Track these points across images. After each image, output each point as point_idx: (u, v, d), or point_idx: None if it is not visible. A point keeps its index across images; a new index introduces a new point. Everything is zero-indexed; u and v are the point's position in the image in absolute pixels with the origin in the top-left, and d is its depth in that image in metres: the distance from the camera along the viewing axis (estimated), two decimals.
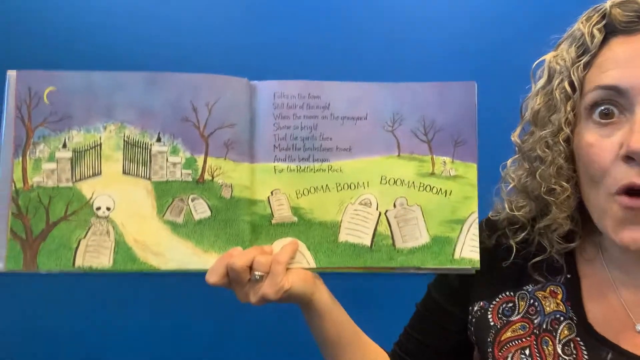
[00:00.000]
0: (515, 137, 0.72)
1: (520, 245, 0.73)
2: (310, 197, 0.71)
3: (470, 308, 0.75)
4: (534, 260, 0.71)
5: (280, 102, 0.71)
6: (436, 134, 0.72)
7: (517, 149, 0.73)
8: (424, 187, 0.72)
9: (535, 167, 0.68)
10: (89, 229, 0.67)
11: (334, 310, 0.72)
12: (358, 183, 0.71)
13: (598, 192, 0.62)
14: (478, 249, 0.71)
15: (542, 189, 0.67)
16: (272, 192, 0.70)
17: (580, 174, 0.65)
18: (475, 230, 0.72)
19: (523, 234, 0.72)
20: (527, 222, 0.72)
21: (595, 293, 0.69)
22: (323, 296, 0.70)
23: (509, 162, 0.75)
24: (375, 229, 0.71)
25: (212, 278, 0.66)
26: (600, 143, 0.60)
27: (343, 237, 0.71)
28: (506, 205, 0.74)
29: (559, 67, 0.66)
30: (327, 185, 0.71)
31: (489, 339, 0.71)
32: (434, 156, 0.72)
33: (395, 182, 0.72)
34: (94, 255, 0.67)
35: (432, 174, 0.72)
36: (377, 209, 0.71)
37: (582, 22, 0.65)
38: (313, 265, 0.70)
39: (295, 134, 0.71)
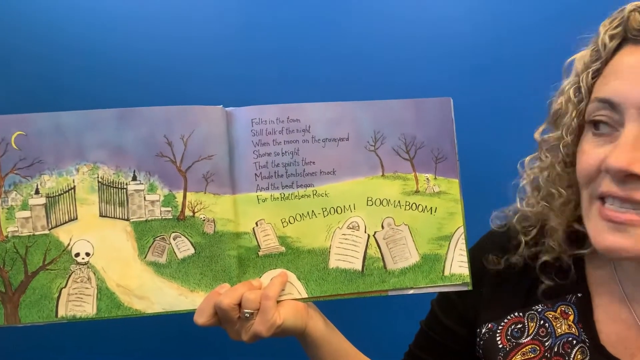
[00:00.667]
0: (537, 134, 0.69)
1: (529, 259, 0.70)
2: (296, 224, 0.69)
3: (478, 330, 0.72)
4: (543, 259, 0.68)
5: (258, 128, 0.68)
6: (417, 151, 0.71)
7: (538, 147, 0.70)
8: (410, 205, 0.71)
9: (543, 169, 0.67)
10: (70, 276, 0.64)
11: (331, 338, 0.70)
12: (344, 206, 0.70)
13: (584, 197, 0.61)
14: (467, 264, 0.71)
15: (542, 193, 0.66)
16: (256, 223, 0.68)
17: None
18: (462, 246, 0.71)
19: (534, 231, 0.69)
20: (537, 222, 0.69)
21: (608, 311, 0.65)
22: (318, 325, 0.69)
23: (527, 159, 0.72)
24: (365, 253, 0.70)
25: (200, 319, 0.64)
26: (591, 152, 0.59)
27: (333, 263, 0.69)
28: (517, 202, 0.71)
29: (575, 70, 0.63)
30: (313, 211, 0.69)
31: None
32: (417, 173, 0.71)
33: (381, 202, 0.71)
34: (77, 303, 0.64)
35: (417, 191, 0.71)
36: (365, 232, 0.70)
37: (603, 24, 0.61)
38: (304, 295, 0.68)
39: (276, 160, 0.69)
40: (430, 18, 1.28)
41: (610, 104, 0.56)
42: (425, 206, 0.71)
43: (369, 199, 0.70)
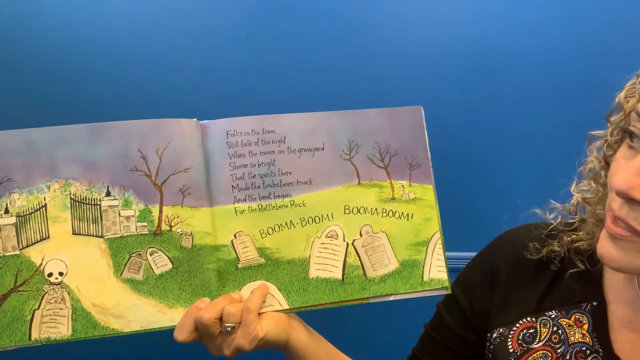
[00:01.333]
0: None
1: (545, 264, 0.69)
2: (275, 235, 0.68)
3: (489, 335, 0.71)
4: (571, 271, 0.67)
5: (234, 140, 0.68)
6: (392, 159, 0.72)
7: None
8: (387, 212, 0.71)
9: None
10: (43, 297, 0.62)
11: (315, 346, 0.69)
12: (322, 215, 0.70)
13: (607, 202, 0.59)
14: (445, 269, 0.71)
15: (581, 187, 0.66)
16: (235, 235, 0.67)
17: None
18: (440, 250, 0.72)
19: (575, 225, 0.68)
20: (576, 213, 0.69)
21: (623, 319, 0.64)
22: (300, 335, 0.68)
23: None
24: (345, 261, 0.70)
25: (180, 335, 0.63)
26: (620, 162, 0.57)
27: (313, 272, 0.69)
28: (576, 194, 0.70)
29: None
30: (291, 221, 0.69)
31: None
32: (392, 181, 0.72)
33: (358, 210, 0.71)
34: (51, 325, 0.62)
35: (393, 198, 0.72)
36: (344, 240, 0.70)
37: None
38: (285, 306, 0.68)
39: (253, 171, 0.68)
40: (409, 27, 1.31)
41: None
42: (402, 213, 0.72)
43: (346, 207, 0.71)
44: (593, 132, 0.66)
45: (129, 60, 1.27)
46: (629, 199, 0.53)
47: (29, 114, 1.20)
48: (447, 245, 0.73)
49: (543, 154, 1.27)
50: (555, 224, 0.71)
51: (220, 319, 0.63)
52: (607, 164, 0.63)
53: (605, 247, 0.56)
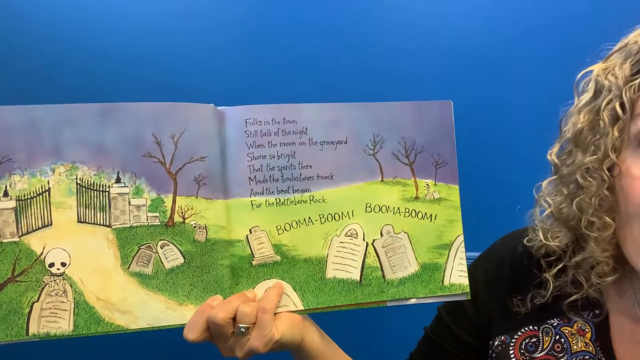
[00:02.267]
0: (552, 156, 0.64)
1: (553, 276, 0.65)
2: (292, 232, 0.65)
3: (491, 342, 0.70)
4: (570, 299, 0.64)
5: (252, 129, 0.64)
6: (417, 156, 0.68)
7: (553, 169, 0.64)
8: (409, 212, 0.68)
9: (574, 194, 0.61)
10: (43, 289, 0.57)
11: (327, 350, 0.66)
12: (342, 213, 0.66)
13: (633, 220, 0.56)
14: (466, 274, 0.69)
15: (583, 222, 0.59)
16: (250, 230, 0.63)
17: (621, 206, 0.57)
18: (462, 254, 0.69)
19: (559, 266, 0.64)
20: (562, 253, 0.64)
21: (624, 330, 0.64)
22: (314, 338, 0.65)
23: (544, 183, 0.66)
24: (364, 262, 0.66)
25: (191, 334, 0.59)
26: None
27: (330, 273, 0.65)
28: (540, 235, 0.65)
29: (608, 84, 0.57)
30: (309, 217, 0.65)
31: None
32: (417, 179, 0.69)
33: (380, 209, 0.67)
34: (51, 319, 0.57)
35: (417, 198, 0.68)
36: (363, 240, 0.67)
37: (639, 35, 0.57)
38: (300, 307, 0.64)
39: (271, 163, 0.64)
40: (429, 23, 1.28)
41: None
42: (425, 213, 0.68)
43: (368, 205, 0.67)
44: (586, 160, 0.60)
45: (140, 43, 1.24)
46: None
47: (33, 97, 1.16)
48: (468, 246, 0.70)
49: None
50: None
51: (234, 318, 0.59)
52: (613, 188, 0.58)
53: None
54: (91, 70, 1.22)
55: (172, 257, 0.61)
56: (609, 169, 0.58)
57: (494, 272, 0.71)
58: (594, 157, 0.58)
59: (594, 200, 0.58)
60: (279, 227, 0.64)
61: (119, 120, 0.60)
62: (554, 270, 0.65)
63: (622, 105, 0.57)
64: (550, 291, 0.65)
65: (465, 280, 0.68)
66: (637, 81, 0.56)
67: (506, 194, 1.22)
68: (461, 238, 0.69)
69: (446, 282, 0.68)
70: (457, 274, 0.68)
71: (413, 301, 0.68)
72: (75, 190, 0.59)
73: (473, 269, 0.73)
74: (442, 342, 0.74)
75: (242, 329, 0.59)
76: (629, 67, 0.57)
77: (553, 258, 0.65)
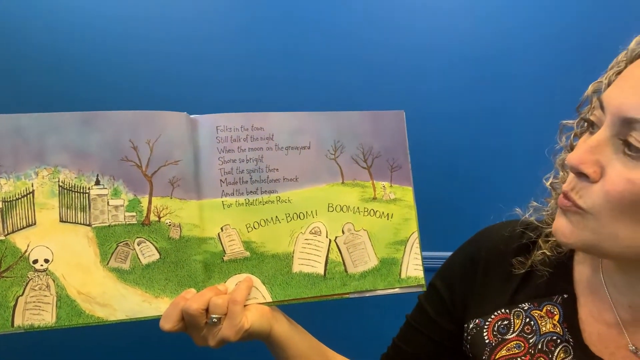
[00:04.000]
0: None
1: (521, 259, 0.72)
2: (260, 230, 0.70)
3: (466, 325, 0.73)
4: (540, 281, 0.70)
5: (223, 135, 0.69)
6: (374, 160, 0.75)
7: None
8: (368, 211, 0.74)
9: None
10: (27, 284, 0.62)
11: (296, 338, 0.71)
12: (307, 212, 0.72)
13: None
14: (421, 267, 0.75)
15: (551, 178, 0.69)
16: (222, 228, 0.69)
17: None
18: (417, 249, 0.75)
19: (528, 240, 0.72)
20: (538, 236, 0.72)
21: (592, 311, 0.67)
22: (283, 327, 0.70)
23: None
24: (327, 257, 0.72)
25: (166, 324, 0.63)
26: (577, 146, 0.61)
27: (297, 267, 0.71)
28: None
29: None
30: (277, 216, 0.71)
31: (484, 357, 0.70)
32: (374, 181, 0.75)
33: (341, 208, 0.73)
34: (35, 312, 0.61)
35: (374, 198, 0.74)
36: (327, 237, 0.72)
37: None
38: (269, 299, 0.69)
39: (241, 167, 0.70)
40: (389, 32, 1.35)
41: (601, 106, 0.58)
42: (383, 212, 0.75)
43: (330, 205, 0.73)
44: (564, 122, 0.70)
45: (120, 53, 1.28)
46: (579, 174, 0.57)
47: (18, 105, 1.19)
48: (424, 246, 0.76)
49: (523, 156, 1.32)
50: (532, 220, 0.74)
51: (207, 310, 0.64)
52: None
53: (559, 222, 0.59)
54: (71, 79, 1.25)
55: (148, 253, 0.65)
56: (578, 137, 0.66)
57: (470, 260, 0.76)
58: (572, 122, 0.67)
59: (559, 160, 0.67)
60: (248, 226, 0.70)
61: (98, 127, 0.65)
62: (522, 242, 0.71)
63: (601, 84, 0.64)
64: (528, 259, 0.71)
65: (420, 273, 0.75)
66: (616, 68, 0.62)
67: (470, 196, 1.30)
68: (416, 234, 0.75)
69: (403, 275, 0.74)
70: (412, 268, 0.74)
71: (372, 293, 0.73)
72: (57, 192, 0.64)
73: (451, 259, 0.79)
74: (421, 328, 0.78)
75: (214, 319, 0.64)
76: (622, 55, 0.63)
77: (530, 239, 0.72)
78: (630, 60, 0.61)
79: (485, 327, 0.72)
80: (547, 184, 0.72)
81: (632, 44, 0.61)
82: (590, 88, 0.66)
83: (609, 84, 0.63)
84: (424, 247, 0.77)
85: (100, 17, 1.29)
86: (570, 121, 0.70)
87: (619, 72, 0.62)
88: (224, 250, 0.68)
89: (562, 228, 0.59)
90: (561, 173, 0.70)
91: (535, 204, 0.74)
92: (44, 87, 1.26)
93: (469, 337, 0.73)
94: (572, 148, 0.69)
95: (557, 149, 0.72)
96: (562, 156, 0.71)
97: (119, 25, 1.29)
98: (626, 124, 0.55)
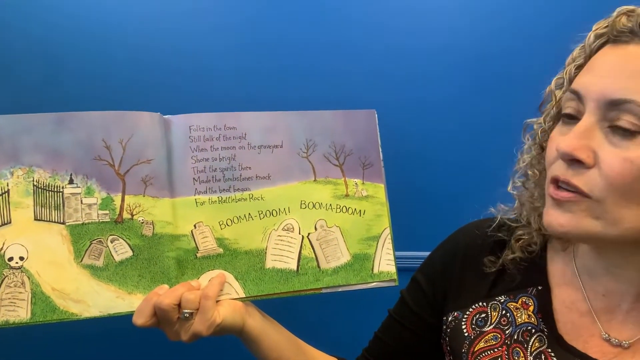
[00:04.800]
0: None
1: (492, 258, 0.74)
2: (233, 227, 0.71)
3: (445, 318, 0.75)
4: (518, 235, 0.73)
5: (196, 135, 0.71)
6: (347, 158, 0.76)
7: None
8: (341, 208, 0.76)
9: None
10: (2, 281, 0.63)
11: (270, 331, 0.72)
12: (279, 209, 0.73)
13: (546, 180, 0.64)
14: (393, 262, 0.76)
15: (520, 175, 0.71)
16: (195, 226, 0.70)
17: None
18: (389, 245, 0.76)
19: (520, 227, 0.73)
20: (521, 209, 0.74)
21: (566, 301, 0.69)
22: (256, 321, 0.71)
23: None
24: (300, 253, 0.73)
25: (139, 320, 0.65)
26: (556, 139, 0.62)
27: (270, 263, 0.72)
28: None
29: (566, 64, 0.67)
30: (249, 213, 0.72)
31: (463, 350, 0.72)
32: (347, 179, 0.76)
33: (314, 205, 0.75)
34: (10, 308, 0.63)
35: (347, 195, 0.76)
36: (299, 233, 0.74)
37: (595, 24, 0.64)
38: (242, 294, 0.71)
39: (214, 165, 0.71)
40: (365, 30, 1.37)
41: (577, 95, 0.60)
42: (355, 209, 0.76)
43: (303, 202, 0.74)
44: (528, 121, 0.72)
45: (99, 55, 1.30)
46: (572, 161, 0.58)
47: None
48: (400, 245, 0.77)
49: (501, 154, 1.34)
50: (505, 219, 0.76)
51: (179, 305, 0.65)
52: (542, 148, 0.69)
53: (552, 214, 0.60)
54: (46, 79, 1.27)
55: (121, 250, 0.67)
56: (544, 132, 0.68)
57: (450, 255, 0.78)
58: (536, 120, 0.69)
59: (529, 155, 0.70)
60: (221, 223, 0.71)
61: (72, 127, 0.66)
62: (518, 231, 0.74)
63: (563, 80, 0.66)
64: (499, 258, 0.73)
65: (392, 268, 0.76)
66: (577, 62, 0.64)
67: (447, 197, 1.31)
68: (388, 230, 0.77)
69: (375, 270, 0.75)
70: (385, 263, 0.76)
71: (346, 288, 0.75)
72: (32, 191, 0.65)
73: (433, 254, 0.81)
74: (403, 321, 0.80)
75: (186, 314, 0.65)
76: (577, 50, 0.65)
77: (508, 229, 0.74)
78: (592, 53, 0.63)
79: (464, 320, 0.73)
80: (509, 188, 0.75)
81: (590, 39, 0.63)
82: (553, 84, 0.68)
83: (570, 79, 0.65)
84: (401, 247, 0.78)
85: (74, 14, 1.31)
86: (534, 120, 0.71)
87: (580, 66, 0.64)
88: (197, 247, 0.70)
89: (558, 219, 0.60)
90: (530, 172, 0.71)
91: (503, 206, 0.76)
92: (18, 87, 1.28)
93: (447, 330, 0.75)
94: (541, 146, 0.70)
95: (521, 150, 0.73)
96: (526, 156, 0.72)
97: (94, 24, 1.32)
98: (612, 105, 0.57)
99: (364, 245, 0.76)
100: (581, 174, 0.58)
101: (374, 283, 0.75)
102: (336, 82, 1.35)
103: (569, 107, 0.61)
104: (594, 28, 0.64)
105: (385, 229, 0.77)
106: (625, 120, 0.56)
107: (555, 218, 0.60)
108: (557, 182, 0.60)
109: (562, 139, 0.59)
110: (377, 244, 0.76)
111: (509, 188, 0.75)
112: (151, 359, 1.35)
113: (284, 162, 0.74)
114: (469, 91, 1.38)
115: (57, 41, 1.30)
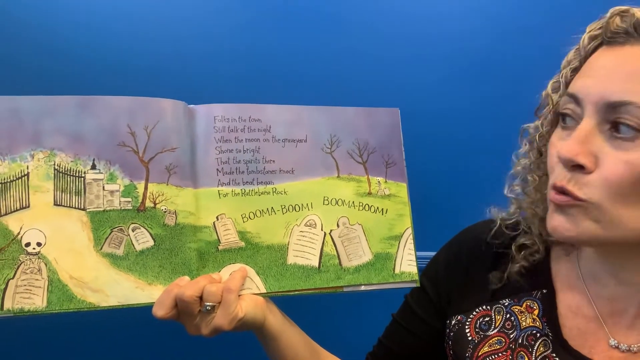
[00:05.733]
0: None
1: (502, 257, 0.73)
2: (256, 220, 0.70)
3: (448, 322, 0.75)
4: (520, 242, 0.72)
5: (221, 125, 0.70)
6: (370, 156, 0.75)
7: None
8: (363, 206, 0.74)
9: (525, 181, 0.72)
10: (18, 267, 0.60)
11: (288, 331, 0.71)
12: (302, 204, 0.72)
13: (548, 186, 0.63)
14: (415, 263, 0.75)
15: (519, 180, 0.70)
16: (217, 217, 0.68)
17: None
18: (411, 245, 0.75)
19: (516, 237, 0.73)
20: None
21: (571, 306, 0.68)
22: (276, 318, 0.69)
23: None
24: (322, 250, 0.72)
25: (159, 311, 0.62)
26: (556, 144, 0.62)
27: (291, 259, 0.70)
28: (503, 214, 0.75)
29: (561, 67, 0.67)
30: (272, 207, 0.71)
31: (467, 354, 0.71)
32: (370, 176, 0.75)
33: (337, 202, 0.73)
34: (25, 296, 0.60)
35: (369, 193, 0.75)
36: (322, 230, 0.72)
37: (589, 26, 0.64)
38: (263, 290, 0.69)
39: (238, 157, 0.70)
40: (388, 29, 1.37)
41: (575, 99, 0.60)
42: (377, 207, 0.75)
43: (325, 198, 0.73)
44: (524, 126, 0.72)
45: (122, 44, 1.31)
46: (573, 167, 0.58)
47: (17, 86, 1.20)
48: (419, 245, 0.76)
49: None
50: (504, 223, 0.75)
51: (200, 298, 0.63)
52: (540, 153, 0.70)
53: (556, 219, 0.60)
54: (71, 67, 1.28)
55: (142, 239, 0.65)
56: (542, 137, 0.68)
57: (454, 258, 0.77)
58: (533, 125, 0.69)
59: (528, 160, 0.70)
60: (244, 216, 0.69)
61: (96, 112, 0.64)
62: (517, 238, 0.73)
63: (559, 84, 0.66)
64: (504, 272, 0.72)
65: (414, 269, 0.75)
66: (572, 65, 0.64)
67: (467, 196, 1.31)
68: (410, 230, 0.76)
69: (397, 271, 0.74)
70: (406, 263, 0.74)
71: (367, 287, 0.73)
72: (52, 175, 0.63)
73: (436, 257, 0.80)
74: (408, 326, 0.79)
75: (208, 307, 0.63)
76: (573, 53, 0.65)
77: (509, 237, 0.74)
78: (587, 55, 0.63)
79: (468, 323, 0.73)
80: (505, 192, 0.74)
81: (585, 41, 0.63)
82: (549, 87, 0.68)
83: (567, 83, 0.65)
84: (421, 247, 0.77)
85: (106, 7, 1.31)
86: (531, 124, 0.71)
87: (576, 69, 0.64)
88: (219, 240, 0.68)
89: (561, 224, 0.60)
90: (530, 177, 0.71)
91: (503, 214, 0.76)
92: (43, 70, 1.28)
93: (451, 334, 0.74)
94: (539, 150, 0.70)
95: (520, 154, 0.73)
96: (523, 161, 0.72)
97: (123, 19, 1.32)
98: (612, 108, 0.56)
99: (386, 245, 0.74)
100: (581, 179, 0.58)
101: (395, 283, 0.74)
102: (360, 78, 1.36)
103: (566, 110, 0.61)
104: (587, 30, 0.64)
105: (407, 228, 0.75)
106: (625, 122, 0.56)
107: (560, 223, 0.60)
108: (556, 189, 0.60)
109: (563, 145, 0.59)
110: (399, 243, 0.75)
111: (505, 192, 0.75)
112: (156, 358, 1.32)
113: (308, 157, 0.73)
114: (495, 91, 1.37)
115: (74, 36, 1.31)
